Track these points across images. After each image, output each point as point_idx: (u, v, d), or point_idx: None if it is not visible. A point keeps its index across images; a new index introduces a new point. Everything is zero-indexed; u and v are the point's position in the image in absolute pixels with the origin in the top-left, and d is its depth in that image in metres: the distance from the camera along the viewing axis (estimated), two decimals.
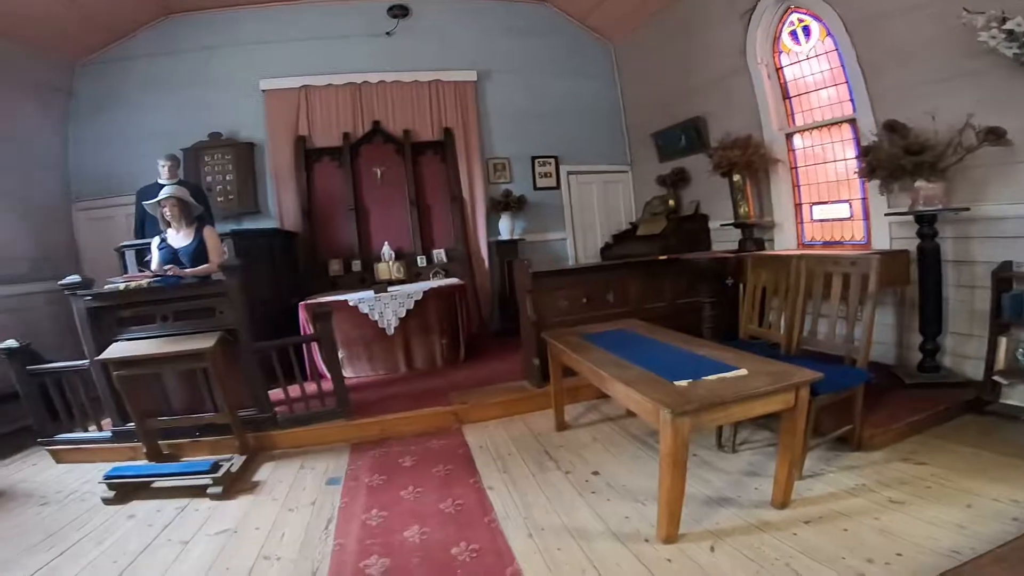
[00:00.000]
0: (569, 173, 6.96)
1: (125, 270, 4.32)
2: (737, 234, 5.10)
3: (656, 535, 2.16)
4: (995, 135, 2.98)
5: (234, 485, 3.01)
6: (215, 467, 3.01)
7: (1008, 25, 2.78)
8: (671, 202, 6.11)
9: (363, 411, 3.78)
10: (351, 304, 4.64)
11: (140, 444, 3.36)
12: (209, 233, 3.76)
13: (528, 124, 6.70)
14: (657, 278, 4.43)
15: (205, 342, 3.22)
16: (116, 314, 3.39)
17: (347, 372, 4.67)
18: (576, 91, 6.89)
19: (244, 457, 3.29)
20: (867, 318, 2.87)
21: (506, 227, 6.26)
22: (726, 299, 4.29)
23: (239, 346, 3.47)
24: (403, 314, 4.70)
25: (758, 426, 3.13)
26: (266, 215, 6.02)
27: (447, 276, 5.69)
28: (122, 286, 3.37)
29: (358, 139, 6.11)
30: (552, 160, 6.85)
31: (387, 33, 6.23)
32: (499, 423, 3.73)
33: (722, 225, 5.31)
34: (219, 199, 5.78)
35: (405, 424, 3.67)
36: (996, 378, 3.16)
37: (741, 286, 4.14)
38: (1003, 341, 3.17)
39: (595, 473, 2.85)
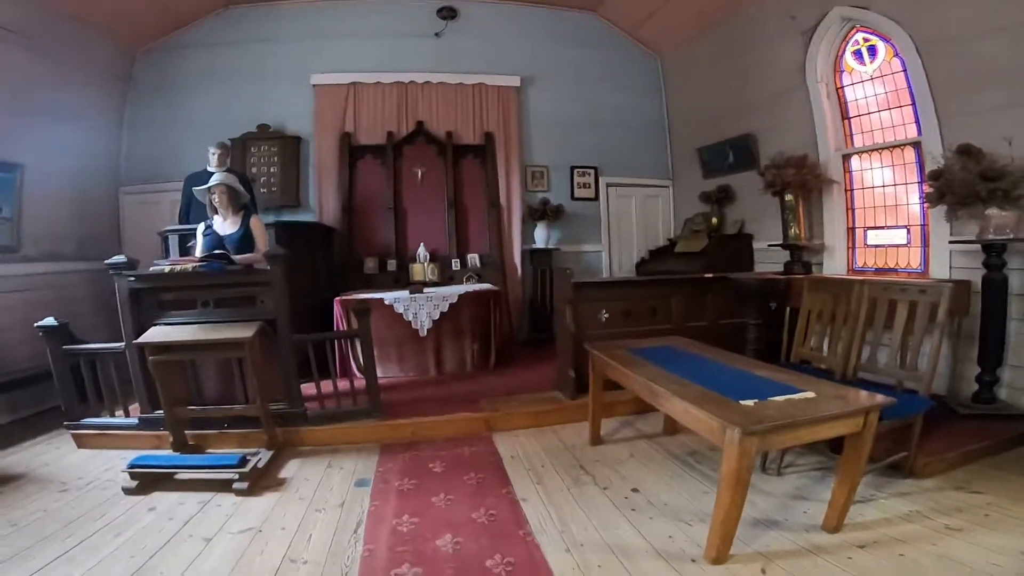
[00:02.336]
0: (608, 185, 6.88)
1: (167, 255, 4.35)
2: (782, 256, 4.95)
3: (705, 555, 2.05)
4: None
5: (260, 481, 2.92)
6: (243, 461, 2.93)
7: None
8: (714, 220, 5.97)
9: (392, 412, 3.72)
10: (386, 303, 4.60)
11: (166, 433, 3.31)
12: (256, 222, 3.76)
13: (569, 133, 6.65)
14: (700, 296, 4.31)
15: (245, 331, 3.16)
16: (158, 297, 3.38)
17: (377, 372, 4.59)
18: (619, 102, 6.83)
19: (271, 452, 3.22)
20: (934, 347, 2.72)
21: (541, 236, 6.19)
22: (770, 322, 4.14)
23: (276, 337, 3.43)
24: (437, 316, 4.64)
25: (803, 450, 2.98)
26: (306, 209, 6.06)
27: (480, 281, 5.63)
28: (167, 268, 3.37)
29: (401, 139, 6.13)
30: (592, 171, 6.78)
31: (436, 34, 6.27)
32: (530, 433, 3.63)
33: (769, 246, 5.16)
34: (262, 190, 5.84)
35: (435, 428, 3.59)
36: None
37: (787, 310, 4.02)
38: None
39: (635, 490, 2.73)
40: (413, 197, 6.12)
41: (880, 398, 2.06)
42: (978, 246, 3.31)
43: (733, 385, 2.30)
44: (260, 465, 3.02)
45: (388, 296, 4.65)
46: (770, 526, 2.28)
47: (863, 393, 2.14)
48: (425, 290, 4.78)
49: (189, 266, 3.36)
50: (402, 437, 3.52)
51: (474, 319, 4.82)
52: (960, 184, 3.26)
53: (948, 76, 3.68)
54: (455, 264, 5.94)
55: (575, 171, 6.72)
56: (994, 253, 3.24)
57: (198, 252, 3.62)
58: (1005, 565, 1.87)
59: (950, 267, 3.76)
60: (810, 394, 2.11)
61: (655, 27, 6.56)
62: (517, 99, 6.44)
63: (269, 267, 3.40)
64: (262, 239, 3.72)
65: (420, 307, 4.62)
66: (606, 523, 2.39)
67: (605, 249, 6.86)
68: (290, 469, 3.14)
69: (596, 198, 6.82)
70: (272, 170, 5.93)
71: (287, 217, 5.77)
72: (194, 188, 3.84)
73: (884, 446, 2.62)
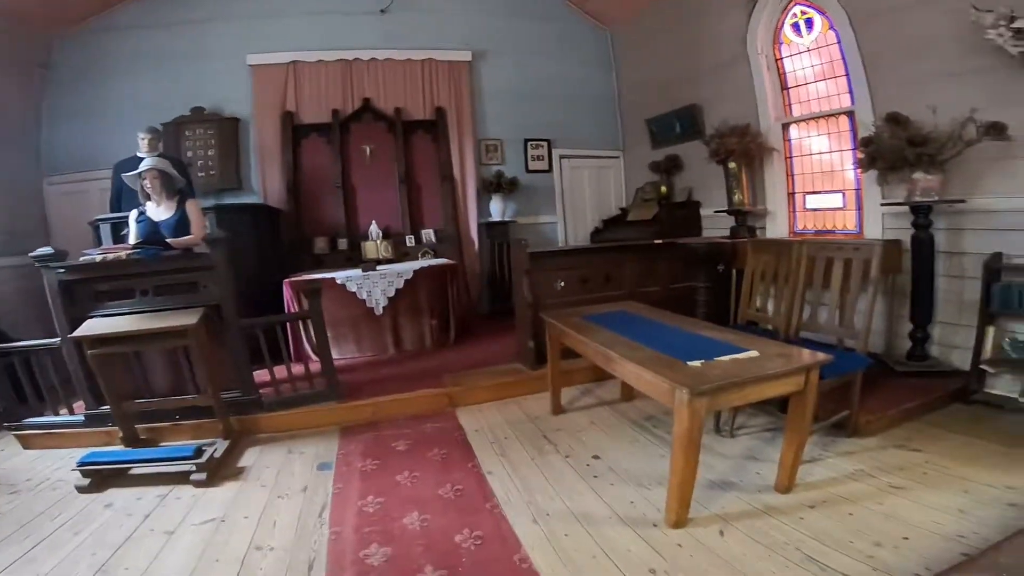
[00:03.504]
0: (562, 157, 6.91)
1: (100, 244, 4.11)
2: (729, 221, 5.11)
3: (665, 519, 2.13)
4: (997, 130, 3.00)
5: (219, 471, 2.86)
6: (198, 452, 2.87)
7: (1017, 24, 2.80)
8: (663, 188, 6.09)
9: (352, 393, 3.68)
10: (338, 282, 4.50)
11: (116, 428, 3.18)
12: (192, 206, 3.59)
13: (522, 106, 6.62)
14: (652, 262, 4.42)
15: (188, 318, 3.03)
16: (92, 288, 3.20)
17: (334, 353, 4.46)
18: (571, 75, 6.82)
19: (228, 442, 3.13)
20: (868, 305, 2.89)
21: (497, 209, 6.17)
22: (719, 285, 4.30)
23: (223, 323, 3.32)
24: (392, 294, 4.58)
25: (754, 411, 3.14)
26: (248, 191, 5.82)
27: (436, 256, 5.58)
28: (99, 258, 3.18)
29: (347, 116, 5.95)
30: (545, 143, 6.78)
31: (381, 11, 6.03)
32: (493, 406, 3.67)
33: (716, 212, 5.31)
34: (200, 174, 5.58)
35: (397, 407, 3.58)
36: (984, 367, 3.22)
37: (734, 272, 4.17)
38: (991, 331, 3.23)
39: (596, 457, 2.81)
40: (363, 174, 5.96)
41: (820, 356, 2.16)
42: (907, 208, 3.48)
43: (682, 347, 2.37)
44: (217, 455, 2.95)
45: (340, 275, 4.54)
46: (726, 488, 2.39)
47: (804, 351, 2.24)
48: (378, 268, 4.70)
49: (122, 254, 3.18)
50: (363, 418, 3.49)
51: (431, 295, 4.78)
52: (889, 150, 3.41)
53: (879, 47, 3.81)
54: (410, 240, 5.86)
55: (529, 144, 6.70)
56: (921, 214, 3.42)
57: (131, 239, 3.43)
58: (945, 523, 1.99)
59: (883, 228, 3.96)
60: (754, 353, 2.20)
61: (606, 0, 6.51)
62: (469, 73, 6.33)
63: (209, 251, 3.26)
64: (199, 223, 3.55)
65: (374, 285, 4.54)
66: (570, 491, 2.45)
67: (560, 220, 6.92)
68: (249, 457, 3.08)
69: (550, 170, 6.84)
70: (210, 153, 5.66)
71: (229, 200, 5.51)
72: (123, 175, 3.61)
73: (827, 406, 2.76)
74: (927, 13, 3.46)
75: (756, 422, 3.08)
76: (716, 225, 5.44)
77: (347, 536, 2.19)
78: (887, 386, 3.27)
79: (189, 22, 5.68)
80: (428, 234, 5.96)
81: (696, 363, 2.10)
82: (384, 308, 4.59)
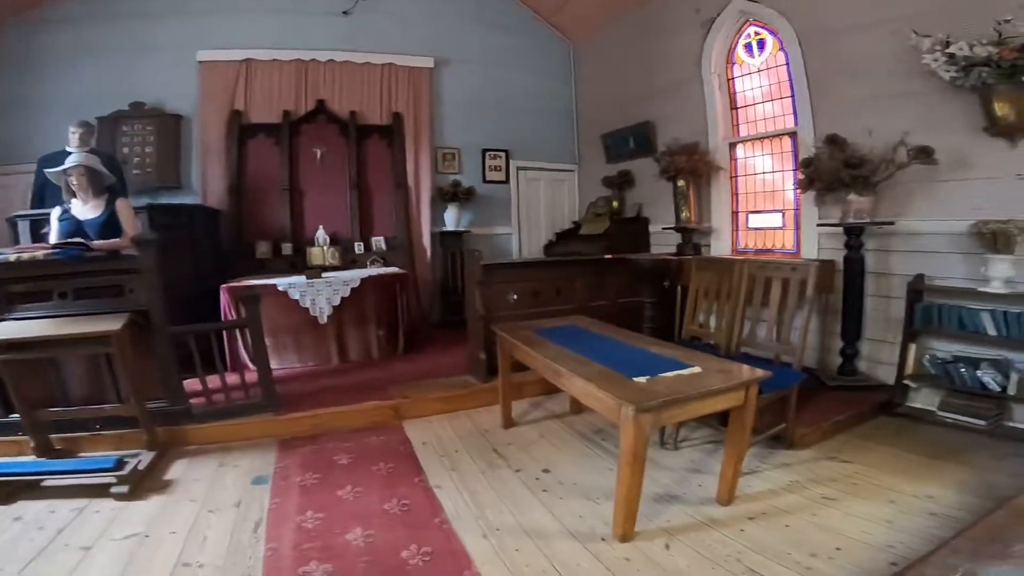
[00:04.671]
0: (519, 168, 6.93)
1: (17, 242, 3.79)
2: (676, 238, 5.25)
3: (612, 533, 2.14)
4: (925, 154, 3.19)
5: (143, 484, 2.67)
6: (119, 464, 2.69)
7: (951, 49, 2.98)
8: (615, 203, 6.20)
9: (292, 405, 3.52)
10: (280, 289, 4.32)
11: (27, 438, 2.92)
12: (122, 205, 3.37)
13: (482, 116, 6.60)
14: (602, 277, 4.47)
15: (111, 324, 2.83)
16: (5, 289, 2.93)
17: (273, 363, 4.27)
18: (532, 87, 6.86)
19: (154, 453, 2.94)
20: (804, 322, 3.01)
21: (452, 218, 6.11)
22: (665, 300, 4.39)
23: (151, 330, 3.11)
24: (337, 302, 4.44)
25: (697, 424, 3.20)
26: (188, 191, 5.52)
27: (386, 265, 5.46)
28: (12, 257, 2.91)
29: (299, 117, 5.76)
30: (503, 154, 6.78)
31: (344, 12, 5.90)
32: (442, 418, 3.60)
33: (664, 228, 5.44)
34: (136, 171, 5.26)
35: (340, 419, 3.44)
36: (907, 382, 3.42)
37: (679, 288, 4.28)
38: (912, 348, 3.43)
39: (546, 471, 2.79)
40: (312, 178, 5.77)
41: (758, 372, 2.23)
42: (841, 229, 3.65)
43: (628, 362, 2.39)
44: (141, 467, 2.76)
45: (282, 282, 4.36)
46: (671, 501, 2.42)
47: (744, 368, 2.31)
48: (324, 275, 4.55)
49: (39, 253, 2.93)
50: (303, 430, 3.34)
51: (379, 304, 4.66)
52: (827, 171, 3.59)
53: (824, 69, 4.01)
54: (358, 247, 5.71)
55: (487, 154, 6.69)
56: (854, 235, 3.60)
57: (52, 238, 3.17)
58: (875, 533, 2.09)
59: (818, 248, 4.15)
60: (697, 369, 2.25)
61: (570, 13, 6.62)
62: (430, 80, 6.27)
63: (137, 253, 3.05)
64: (129, 223, 3.33)
65: (318, 293, 4.39)
66: (521, 506, 2.42)
67: (515, 232, 6.92)
68: (177, 470, 2.90)
69: (507, 181, 6.84)
70: (147, 150, 5.35)
71: (166, 199, 5.22)
72: (46, 170, 3.35)
73: (765, 420, 2.85)
74: (871, 36, 3.64)
75: (699, 435, 3.15)
76: (663, 241, 5.58)
77: (285, 553, 2.08)
78: (820, 399, 3.42)
79: (138, 15, 5.39)
80: (378, 241, 5.83)
81: (641, 379, 2.12)
82: (329, 317, 4.44)
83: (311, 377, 4.24)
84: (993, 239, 3.01)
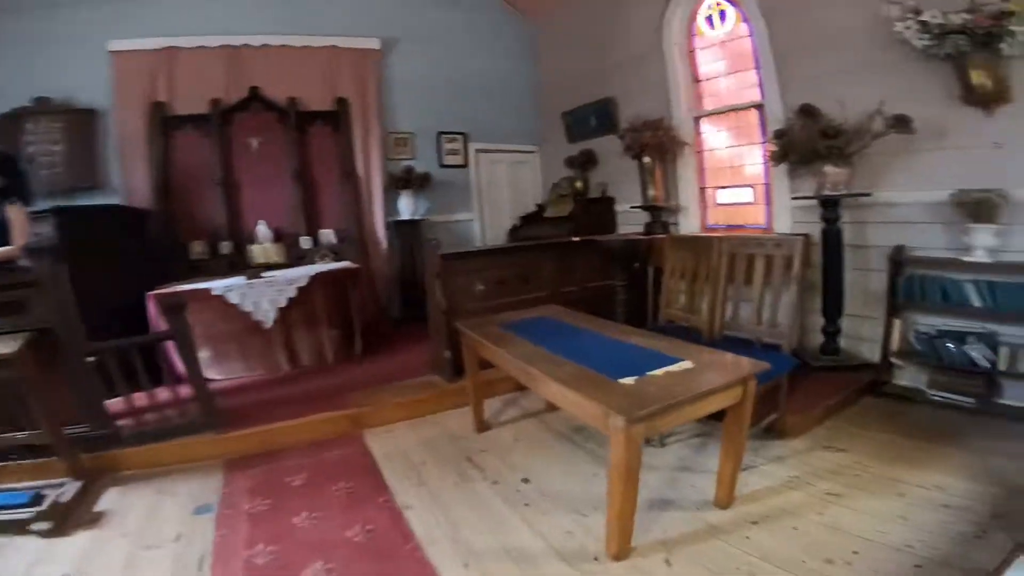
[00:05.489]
0: (478, 151, 6.57)
1: None
2: (643, 217, 5.03)
3: (606, 551, 1.90)
4: (903, 123, 3.04)
5: (69, 518, 2.38)
6: (37, 498, 2.39)
7: (924, 16, 2.84)
8: (579, 184, 5.95)
9: (238, 420, 3.15)
10: (215, 293, 3.87)
11: None
12: (14, 211, 2.88)
13: (436, 98, 6.20)
14: (571, 261, 4.22)
15: (6, 346, 2.44)
16: None
17: (217, 374, 3.95)
18: (489, 67, 6.48)
19: (80, 483, 2.59)
20: (792, 301, 2.82)
21: (407, 206, 5.71)
22: (636, 282, 4.18)
23: (61, 349, 2.69)
24: (283, 303, 4.03)
25: None
26: (108, 191, 4.94)
27: (337, 259, 5.04)
28: None
29: (231, 106, 5.22)
30: (461, 137, 6.40)
31: None
32: (408, 426, 3.29)
33: (631, 208, 5.22)
34: (43, 171, 4.66)
35: (292, 433, 3.10)
36: (892, 360, 3.29)
37: (651, 269, 4.06)
38: (897, 323, 3.31)
39: (525, 480, 2.53)
40: (249, 170, 5.25)
41: (756, 364, 2.01)
42: (815, 202, 3.49)
43: (610, 359, 2.14)
44: (64, 499, 2.44)
45: (217, 285, 3.91)
46: (664, 506, 2.22)
47: (741, 360, 2.08)
48: (265, 274, 4.12)
49: None
50: (250, 449, 2.99)
51: (331, 303, 4.27)
52: (802, 143, 3.41)
53: (790, 40, 3.83)
54: (306, 242, 5.25)
55: (443, 137, 6.30)
56: (830, 207, 3.43)
57: None
58: (890, 531, 1.92)
59: (792, 223, 3.99)
60: (688, 364, 2.01)
61: None
62: (377, 62, 5.80)
63: (31, 264, 2.61)
64: (20, 231, 2.85)
65: (260, 295, 3.96)
66: (501, 524, 2.18)
67: (477, 217, 6.58)
68: (108, 500, 2.58)
69: (466, 165, 6.48)
70: (56, 148, 4.75)
71: (84, 201, 4.65)
72: None
73: (757, 409, 2.64)
74: (837, 6, 3.48)
75: (683, 429, 2.91)
76: (630, 221, 5.36)
77: None
78: (805, 383, 3.23)
79: (41, 4, 4.74)
80: (327, 235, 5.38)
81: (628, 380, 1.86)
82: (274, 320, 4.02)
83: (259, 387, 3.85)
84: (976, 208, 2.89)
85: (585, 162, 5.96)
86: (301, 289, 4.08)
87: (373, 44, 5.75)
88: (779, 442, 2.70)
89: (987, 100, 2.88)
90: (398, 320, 5.71)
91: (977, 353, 2.91)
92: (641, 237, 4.53)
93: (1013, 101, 2.83)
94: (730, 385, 1.88)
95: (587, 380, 1.92)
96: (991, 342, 2.90)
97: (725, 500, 2.14)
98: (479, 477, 2.60)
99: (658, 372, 1.93)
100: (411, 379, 3.76)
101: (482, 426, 3.13)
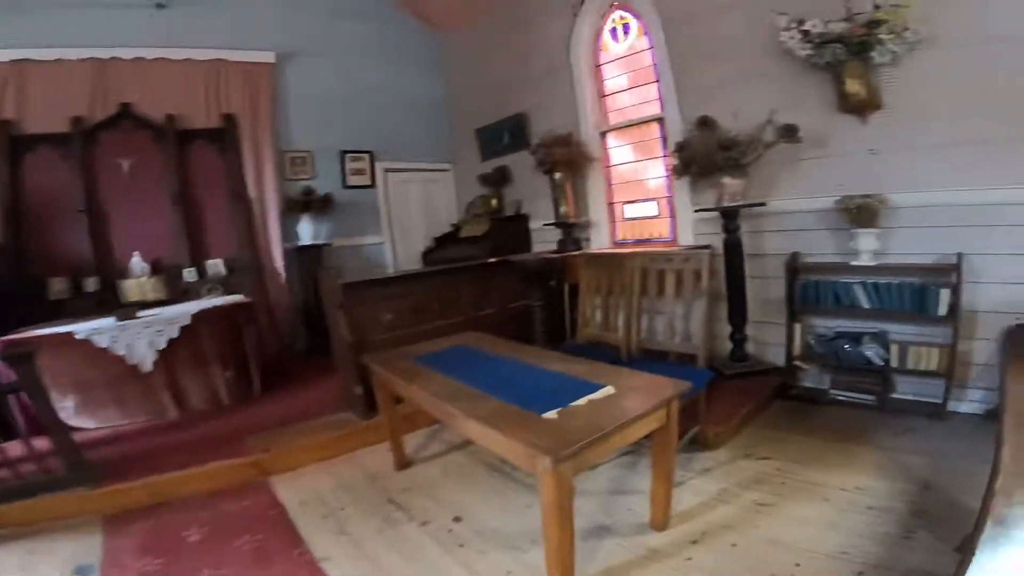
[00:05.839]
0: (386, 170, 6.28)
1: None
2: (557, 234, 5.01)
3: None
4: (791, 132, 3.19)
5: None
6: None
7: (806, 26, 2.98)
8: (494, 202, 5.86)
9: (118, 472, 2.79)
10: (79, 337, 3.34)
11: None
12: None
13: (339, 115, 5.85)
14: (488, 282, 4.09)
15: None
16: None
17: (87, 423, 3.45)
18: (398, 82, 6.24)
19: None
20: (703, 313, 2.86)
21: (307, 230, 5.31)
22: (552, 301, 4.12)
23: None
24: (163, 345, 3.55)
25: None
26: None
27: (228, 292, 4.56)
28: None
29: (96, 124, 4.60)
30: (366, 155, 6.08)
31: (158, 5, 4.81)
32: (320, 468, 3.00)
33: (544, 225, 5.19)
34: None
35: (185, 484, 2.76)
36: (796, 363, 3.44)
37: (567, 287, 4.03)
38: (798, 328, 3.46)
39: (457, 519, 2.35)
40: (120, 195, 4.63)
41: (678, 384, 1.98)
42: (715, 213, 3.58)
43: (532, 390, 2.02)
44: None
45: (82, 328, 3.36)
46: (603, 534, 2.13)
47: (661, 382, 2.03)
48: (141, 313, 3.61)
49: None
50: (136, 502, 2.66)
51: (222, 341, 3.83)
52: (701, 155, 3.50)
53: (686, 52, 3.95)
54: (190, 274, 4.70)
55: (347, 156, 5.95)
56: (730, 218, 3.55)
57: None
58: (824, 539, 1.94)
59: (694, 235, 4.11)
60: (610, 390, 1.93)
61: (439, 3, 6.08)
62: (271, 77, 5.38)
63: None
64: None
65: (135, 336, 3.46)
66: (435, 569, 2.02)
67: (387, 240, 6.27)
68: None
69: (373, 185, 6.16)
70: None
71: None
72: None
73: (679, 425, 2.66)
74: (731, 16, 3.63)
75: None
76: (545, 238, 5.33)
77: None
78: (720, 392, 3.27)
79: None
80: (215, 265, 4.86)
81: (551, 413, 1.74)
82: (154, 363, 3.54)
83: (143, 435, 3.40)
84: (858, 214, 3.09)
85: (499, 179, 5.88)
86: (185, 328, 3.62)
87: (267, 57, 5.35)
88: (704, 454, 2.70)
89: (861, 108, 3.07)
90: (304, 354, 5.27)
91: (871, 352, 3.10)
92: (555, 255, 4.50)
93: (884, 108, 3.04)
94: (654, 409, 1.82)
95: (509, 417, 1.78)
96: (883, 341, 3.11)
97: (662, 522, 2.09)
98: (406, 519, 2.40)
99: (581, 402, 1.83)
100: (321, 418, 3.44)
101: (404, 463, 2.91)
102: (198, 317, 3.68)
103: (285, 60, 5.52)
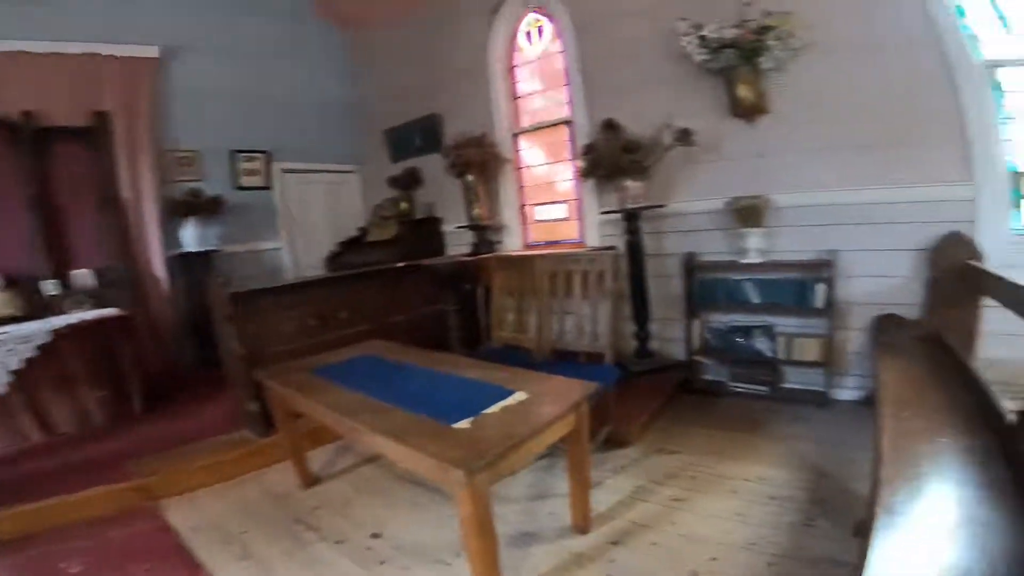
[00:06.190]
0: (285, 171, 5.88)
1: None
2: (470, 237, 4.96)
3: None
4: (686, 136, 3.34)
5: None
6: None
7: (704, 32, 3.12)
8: (404, 205, 5.67)
9: None
10: None
11: None
12: None
13: (234, 114, 5.40)
14: (397, 288, 3.94)
15: None
16: None
17: None
18: (303, 81, 5.88)
19: None
20: (608, 313, 2.92)
21: (193, 235, 4.83)
22: (468, 305, 4.06)
23: None
24: (15, 365, 3.07)
25: None
26: None
27: (100, 305, 4.02)
28: None
29: None
30: (262, 155, 5.65)
31: None
32: (217, 491, 2.77)
33: (457, 228, 5.12)
34: None
35: (58, 513, 2.48)
36: (697, 358, 3.62)
37: (482, 291, 3.98)
38: (696, 324, 3.65)
39: (375, 535, 2.23)
40: None
41: (586, 385, 1.99)
42: (619, 215, 3.70)
43: (441, 399, 1.95)
44: None
45: None
46: (528, 541, 2.11)
47: (571, 384, 2.04)
48: None
49: None
50: (3, 534, 2.36)
51: (92, 357, 3.39)
52: (607, 157, 3.57)
53: (596, 55, 4.04)
54: (51, 287, 4.08)
55: (240, 156, 5.50)
56: (633, 220, 3.67)
57: None
58: (735, 532, 2.02)
59: (600, 236, 4.23)
60: (522, 395, 1.90)
61: (354, 3, 5.80)
62: (153, 73, 4.84)
63: None
64: None
65: None
66: None
67: (286, 245, 5.88)
68: None
69: (269, 187, 5.74)
70: None
71: None
72: None
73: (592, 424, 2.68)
74: (639, 20, 3.74)
75: None
76: (458, 241, 5.27)
77: None
78: (629, 389, 3.37)
79: None
80: (82, 276, 4.23)
81: (463, 423, 1.67)
82: (8, 384, 3.05)
83: (3, 463, 2.98)
84: (746, 214, 3.31)
85: (410, 181, 5.71)
86: (45, 346, 3.15)
87: (149, 52, 4.80)
88: (617, 452, 2.75)
89: (750, 112, 3.28)
90: (194, 369, 4.80)
91: (762, 345, 3.34)
92: (469, 258, 4.44)
93: (769, 112, 3.27)
94: (565, 413, 1.81)
95: (418, 429, 1.69)
96: (771, 333, 3.35)
97: (583, 524, 2.09)
98: (318, 539, 2.24)
99: (494, 409, 1.79)
100: (214, 437, 3.16)
101: (310, 481, 2.73)
102: (60, 333, 3.22)
103: (172, 55, 4.99)
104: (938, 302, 2.80)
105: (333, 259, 5.81)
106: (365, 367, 2.55)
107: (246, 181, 5.56)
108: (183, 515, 2.54)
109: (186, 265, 4.89)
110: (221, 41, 5.33)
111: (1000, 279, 2.25)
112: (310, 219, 6.13)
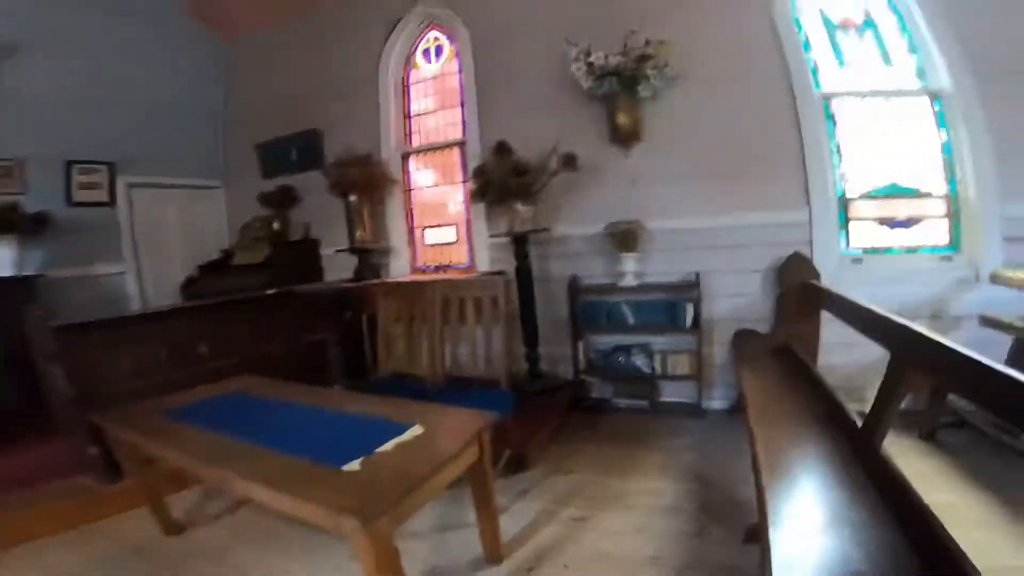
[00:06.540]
0: (132, 185, 5.15)
1: None
2: (351, 261, 4.69)
3: None
4: (571, 160, 3.46)
5: None
6: None
7: (591, 58, 3.26)
8: (276, 225, 5.21)
9: None
10: None
11: None
12: None
13: (71, 121, 4.65)
14: (268, 317, 3.61)
15: None
16: None
17: None
18: (160, 87, 5.21)
19: None
20: (502, 338, 2.91)
21: (8, 257, 4.03)
22: (350, 334, 3.83)
23: None
24: None
25: None
26: None
27: None
28: None
29: None
30: (104, 167, 4.90)
31: None
32: (64, 541, 2.36)
33: (337, 251, 4.81)
34: None
35: None
36: (583, 377, 3.74)
37: (366, 318, 3.78)
38: (581, 345, 3.78)
39: None
40: None
41: (485, 416, 1.93)
42: (508, 239, 3.72)
43: (326, 438, 1.78)
44: None
45: None
46: None
47: (469, 415, 1.96)
48: None
49: None
50: None
51: None
52: (497, 180, 3.58)
53: (492, 77, 4.08)
54: None
55: (75, 167, 4.73)
56: (521, 244, 3.70)
57: None
58: (638, 546, 2.05)
59: (490, 259, 4.23)
60: (417, 430, 1.79)
61: (231, 5, 5.26)
62: None
63: None
64: None
65: None
66: None
67: (131, 269, 5.12)
68: None
69: (112, 203, 5.00)
70: None
71: None
72: None
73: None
74: (534, 44, 3.83)
75: None
76: (338, 265, 4.93)
77: None
78: (523, 411, 3.30)
79: None
80: None
81: (354, 464, 1.52)
82: None
83: None
84: (623, 238, 3.50)
85: (284, 200, 5.27)
86: None
87: None
88: (519, 476, 2.73)
89: (626, 139, 3.48)
90: (13, 411, 3.95)
91: (640, 362, 3.53)
92: (351, 285, 4.19)
93: (643, 140, 3.49)
94: (467, 446, 1.73)
95: (301, 474, 1.50)
96: (648, 352, 3.56)
97: (495, 554, 2.02)
98: None
99: (388, 447, 1.65)
100: (49, 483, 2.68)
101: (173, 528, 2.36)
102: None
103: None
104: (786, 316, 3.18)
105: (190, 284, 5.15)
106: (230, 406, 2.26)
107: (83, 196, 4.79)
108: (22, 570, 2.17)
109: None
110: (62, 38, 4.60)
111: (832, 294, 2.61)
112: (164, 240, 5.42)
